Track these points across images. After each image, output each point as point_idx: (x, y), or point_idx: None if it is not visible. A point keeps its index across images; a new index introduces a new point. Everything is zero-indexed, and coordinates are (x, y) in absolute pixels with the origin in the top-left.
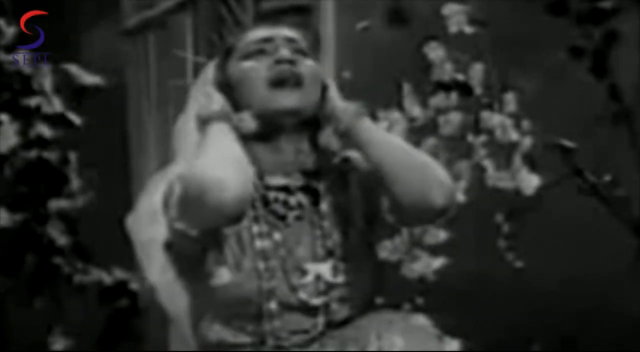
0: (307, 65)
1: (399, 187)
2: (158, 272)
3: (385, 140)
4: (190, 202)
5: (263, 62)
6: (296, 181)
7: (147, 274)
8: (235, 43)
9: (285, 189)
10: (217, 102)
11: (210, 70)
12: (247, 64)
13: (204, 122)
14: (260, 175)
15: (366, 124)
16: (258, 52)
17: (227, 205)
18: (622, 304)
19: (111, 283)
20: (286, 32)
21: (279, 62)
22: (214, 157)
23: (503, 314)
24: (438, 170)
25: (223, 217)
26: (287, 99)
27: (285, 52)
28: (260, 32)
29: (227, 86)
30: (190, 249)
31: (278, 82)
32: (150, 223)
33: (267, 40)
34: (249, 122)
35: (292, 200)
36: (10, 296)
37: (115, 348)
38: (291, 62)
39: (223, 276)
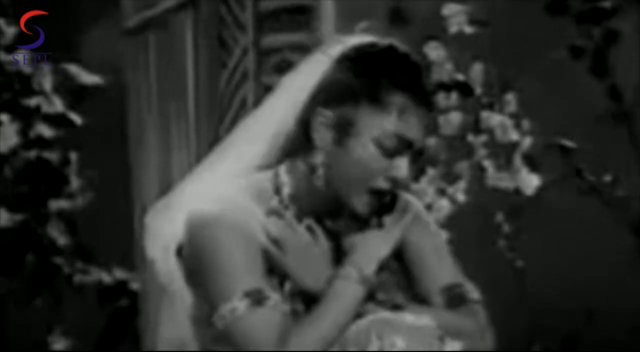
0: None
1: None
2: (162, 248)
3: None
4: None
5: (382, 164)
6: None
7: (148, 247)
8: (383, 94)
9: None
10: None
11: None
12: (371, 153)
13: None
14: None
15: None
16: (387, 148)
17: None
18: (622, 304)
19: (111, 283)
20: (420, 139)
21: (383, 192)
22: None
23: (503, 314)
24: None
25: None
26: (370, 208)
27: (400, 184)
28: (412, 119)
29: (340, 126)
30: None
31: (375, 192)
32: (165, 213)
33: (407, 145)
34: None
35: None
36: (10, 296)
37: (115, 348)
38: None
39: None
